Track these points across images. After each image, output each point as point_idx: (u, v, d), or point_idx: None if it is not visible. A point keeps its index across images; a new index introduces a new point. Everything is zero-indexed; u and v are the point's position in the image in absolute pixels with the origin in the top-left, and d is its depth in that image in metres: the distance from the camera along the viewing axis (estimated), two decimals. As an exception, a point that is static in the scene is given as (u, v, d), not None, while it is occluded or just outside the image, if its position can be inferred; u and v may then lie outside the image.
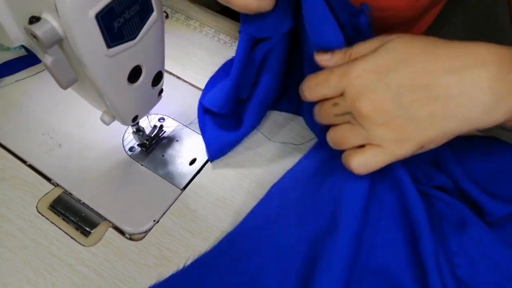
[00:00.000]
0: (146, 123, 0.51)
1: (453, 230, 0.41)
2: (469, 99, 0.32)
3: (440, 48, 0.34)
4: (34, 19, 0.29)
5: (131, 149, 0.50)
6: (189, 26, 0.64)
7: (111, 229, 0.44)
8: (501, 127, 0.36)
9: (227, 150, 0.50)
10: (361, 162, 0.37)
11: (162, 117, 0.53)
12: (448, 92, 0.33)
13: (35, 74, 0.57)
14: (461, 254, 0.40)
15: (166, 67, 0.57)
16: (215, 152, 0.50)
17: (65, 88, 0.34)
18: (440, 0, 0.61)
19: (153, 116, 0.53)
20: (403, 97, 0.33)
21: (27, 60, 0.58)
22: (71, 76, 0.34)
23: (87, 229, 0.44)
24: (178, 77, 0.58)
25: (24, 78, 0.57)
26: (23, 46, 0.58)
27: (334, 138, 0.38)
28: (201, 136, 0.52)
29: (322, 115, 0.38)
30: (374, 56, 0.35)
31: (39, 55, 0.34)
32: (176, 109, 0.54)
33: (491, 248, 0.40)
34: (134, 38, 0.34)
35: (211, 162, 0.50)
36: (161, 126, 0.51)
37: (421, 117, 0.34)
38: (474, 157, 0.46)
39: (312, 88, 0.38)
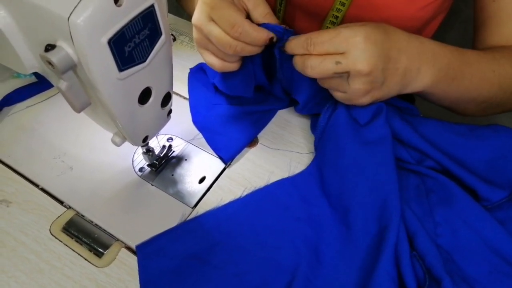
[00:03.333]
0: (156, 144, 0.52)
1: (439, 203, 0.44)
2: (412, 76, 0.46)
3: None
4: (50, 47, 0.31)
5: (141, 169, 0.51)
6: (193, 47, 0.65)
7: (123, 249, 0.45)
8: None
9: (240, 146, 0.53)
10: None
11: (170, 137, 0.54)
12: (406, 67, 0.44)
13: (45, 100, 0.59)
14: (443, 225, 0.43)
15: (173, 89, 0.59)
16: (229, 153, 0.52)
17: (79, 111, 0.35)
18: (440, 12, 0.63)
19: (162, 136, 0.54)
20: (387, 66, 0.43)
21: (37, 86, 0.59)
22: (84, 99, 0.35)
23: (100, 250, 0.45)
24: (185, 98, 0.59)
25: (35, 104, 0.58)
26: (33, 73, 0.60)
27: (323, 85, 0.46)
28: (209, 154, 0.53)
29: (322, 69, 0.43)
30: (371, 28, 0.42)
31: (54, 80, 0.35)
32: (184, 129, 0.55)
33: (474, 216, 0.43)
34: (144, 61, 0.35)
35: (226, 163, 0.52)
36: (170, 146, 0.52)
37: (387, 83, 0.44)
38: (467, 147, 0.49)
39: (318, 44, 0.42)
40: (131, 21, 0.32)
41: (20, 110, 0.58)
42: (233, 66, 0.50)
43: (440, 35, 0.95)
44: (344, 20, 0.59)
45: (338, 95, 0.46)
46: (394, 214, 0.41)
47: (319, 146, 0.51)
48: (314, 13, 0.62)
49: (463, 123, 0.52)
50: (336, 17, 0.59)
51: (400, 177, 0.47)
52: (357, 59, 0.41)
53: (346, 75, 0.42)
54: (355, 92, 0.44)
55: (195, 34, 0.49)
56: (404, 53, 0.44)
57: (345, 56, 0.41)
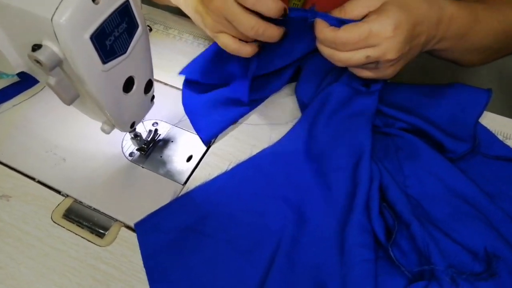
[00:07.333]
0: (142, 129, 0.55)
1: (407, 158, 0.50)
2: (429, 43, 0.49)
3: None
4: (36, 47, 0.33)
5: (131, 154, 0.55)
6: (169, 35, 0.68)
7: (123, 228, 0.49)
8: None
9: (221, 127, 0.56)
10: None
11: (155, 122, 0.57)
12: (426, 39, 0.48)
13: (30, 97, 0.61)
14: (412, 177, 0.49)
15: (154, 76, 0.61)
16: (208, 133, 0.55)
17: (69, 104, 0.38)
18: None
19: (147, 122, 0.57)
20: (411, 44, 0.47)
21: (21, 85, 0.61)
22: (73, 93, 0.38)
23: (101, 231, 0.48)
24: (165, 84, 0.62)
25: (20, 102, 0.61)
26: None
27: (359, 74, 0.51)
28: (194, 135, 0.56)
29: (351, 63, 0.47)
30: (396, 14, 0.44)
31: (42, 78, 0.38)
32: (167, 113, 0.58)
33: (438, 167, 0.48)
34: (125, 52, 0.38)
35: (206, 143, 0.55)
36: (156, 130, 0.56)
37: (410, 55, 0.48)
38: (431, 106, 0.54)
39: (348, 45, 0.45)
40: (109, 16, 0.35)
41: (7, 110, 0.60)
42: (249, 49, 0.51)
43: None
44: None
45: (367, 73, 0.50)
46: (364, 173, 0.46)
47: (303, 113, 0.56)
48: None
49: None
50: None
51: (374, 140, 0.52)
52: (387, 50, 0.44)
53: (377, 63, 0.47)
54: (386, 73, 0.49)
55: (211, 17, 0.49)
56: (424, 24, 0.46)
57: (375, 49, 0.44)
